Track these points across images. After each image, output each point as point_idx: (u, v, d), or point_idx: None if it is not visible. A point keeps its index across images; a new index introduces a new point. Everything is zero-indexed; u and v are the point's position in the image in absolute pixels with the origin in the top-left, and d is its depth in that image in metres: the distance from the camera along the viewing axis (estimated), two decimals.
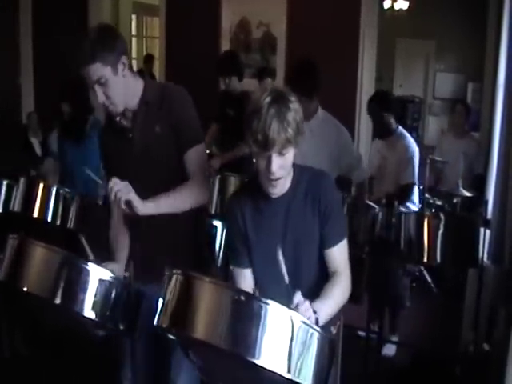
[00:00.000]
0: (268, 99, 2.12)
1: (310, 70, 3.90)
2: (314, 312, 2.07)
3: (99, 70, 2.44)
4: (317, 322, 2.06)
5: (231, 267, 2.47)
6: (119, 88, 2.52)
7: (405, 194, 4.38)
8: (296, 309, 2.00)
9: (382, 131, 4.58)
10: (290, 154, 2.19)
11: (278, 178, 2.22)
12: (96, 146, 4.55)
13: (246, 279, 2.40)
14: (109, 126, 2.72)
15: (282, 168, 2.19)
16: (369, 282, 3.79)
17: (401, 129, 4.56)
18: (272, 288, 2.24)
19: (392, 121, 4.48)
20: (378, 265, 3.81)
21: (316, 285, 2.34)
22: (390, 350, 4.41)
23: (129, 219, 2.71)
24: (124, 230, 2.75)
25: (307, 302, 2.05)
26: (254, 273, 2.40)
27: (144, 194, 2.50)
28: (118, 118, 2.62)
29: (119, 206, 2.40)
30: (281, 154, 2.15)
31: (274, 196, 2.30)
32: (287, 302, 2.03)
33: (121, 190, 2.38)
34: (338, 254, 2.35)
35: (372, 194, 4.58)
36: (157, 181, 2.60)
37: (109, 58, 2.45)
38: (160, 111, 2.58)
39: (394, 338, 4.51)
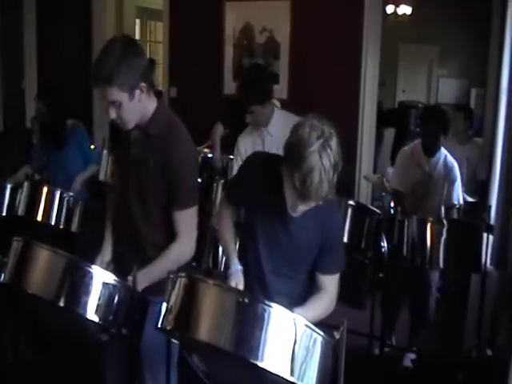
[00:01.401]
0: (315, 147, 2.10)
1: (260, 77, 3.85)
2: None
3: (115, 94, 2.37)
4: None
5: (223, 198, 2.63)
6: (133, 112, 2.47)
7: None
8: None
9: (431, 149, 4.32)
10: None
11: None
12: (75, 152, 4.53)
13: (229, 211, 2.64)
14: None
15: (308, 206, 2.25)
16: (372, 287, 3.80)
17: (443, 148, 4.37)
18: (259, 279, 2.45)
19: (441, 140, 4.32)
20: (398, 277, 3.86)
21: (303, 291, 2.49)
22: (408, 361, 4.37)
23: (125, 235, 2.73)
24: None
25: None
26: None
27: (138, 203, 2.59)
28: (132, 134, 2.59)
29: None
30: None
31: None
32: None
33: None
34: (330, 280, 2.47)
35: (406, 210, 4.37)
36: (145, 198, 2.59)
37: (127, 85, 2.38)
38: (158, 152, 2.50)
39: (413, 352, 4.43)
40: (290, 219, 2.36)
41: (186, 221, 2.57)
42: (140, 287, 2.40)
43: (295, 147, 2.14)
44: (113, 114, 2.44)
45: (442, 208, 4.22)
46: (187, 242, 2.60)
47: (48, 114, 4.44)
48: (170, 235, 2.58)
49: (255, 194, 2.45)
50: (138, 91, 2.42)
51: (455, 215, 4.23)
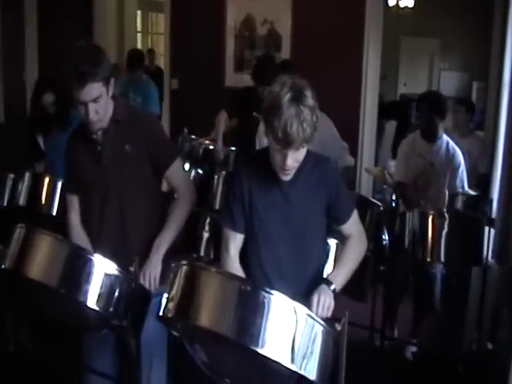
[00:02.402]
0: (288, 96, 2.19)
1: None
2: (330, 283, 2.36)
3: (100, 88, 2.53)
4: (334, 291, 2.35)
5: (224, 228, 2.53)
6: (107, 106, 2.64)
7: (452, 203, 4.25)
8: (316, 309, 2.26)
9: (430, 134, 4.33)
10: (305, 148, 2.29)
11: (292, 168, 2.33)
12: None
13: (236, 242, 2.50)
14: (79, 134, 2.78)
15: (296, 161, 2.30)
16: (373, 279, 3.80)
17: (445, 135, 4.37)
18: (270, 261, 2.45)
19: (441, 126, 4.30)
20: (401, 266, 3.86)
21: (315, 262, 2.55)
22: (408, 353, 4.37)
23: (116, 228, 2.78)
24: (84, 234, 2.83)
25: (316, 296, 2.29)
26: (256, 244, 2.48)
27: (114, 201, 2.72)
28: (94, 136, 2.70)
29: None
30: (297, 149, 2.25)
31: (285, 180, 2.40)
32: (282, 278, 2.37)
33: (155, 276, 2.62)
34: (351, 224, 2.59)
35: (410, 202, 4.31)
36: (129, 193, 2.72)
37: (106, 78, 2.56)
38: (131, 132, 2.68)
39: (415, 342, 4.44)
40: (286, 191, 2.41)
41: (179, 170, 2.88)
42: (162, 251, 2.67)
43: (271, 104, 2.23)
44: (93, 113, 2.57)
45: (447, 196, 4.23)
46: (188, 189, 2.86)
47: (56, 103, 4.41)
48: (160, 214, 2.83)
49: (248, 194, 2.45)
50: (110, 86, 2.62)
51: (459, 203, 4.26)
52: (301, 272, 2.46)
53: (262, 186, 2.43)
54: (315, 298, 2.30)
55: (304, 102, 2.19)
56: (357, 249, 2.59)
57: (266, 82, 4.64)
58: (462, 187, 4.32)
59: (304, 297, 2.31)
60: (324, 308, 2.29)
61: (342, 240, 2.73)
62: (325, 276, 2.56)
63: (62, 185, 3.59)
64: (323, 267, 2.70)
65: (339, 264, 2.56)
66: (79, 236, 2.79)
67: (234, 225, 2.47)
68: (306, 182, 2.43)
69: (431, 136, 4.32)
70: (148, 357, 2.70)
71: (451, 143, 4.35)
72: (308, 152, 2.39)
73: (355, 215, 2.60)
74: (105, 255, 2.56)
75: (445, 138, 4.36)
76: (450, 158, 4.30)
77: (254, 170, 2.45)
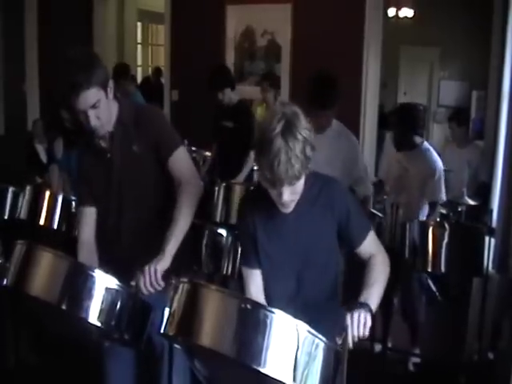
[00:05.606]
0: (277, 131, 2.05)
1: (331, 84, 3.85)
2: (365, 305, 2.16)
3: (96, 94, 2.50)
4: (371, 312, 2.15)
5: (242, 267, 2.48)
6: (108, 110, 2.61)
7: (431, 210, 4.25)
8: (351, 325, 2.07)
9: (401, 145, 4.29)
10: (301, 181, 2.18)
11: (291, 202, 2.24)
12: None
13: (254, 279, 2.41)
14: (87, 147, 2.78)
15: (292, 194, 2.20)
16: None
17: (426, 144, 4.29)
18: (279, 291, 2.37)
19: (416, 137, 4.21)
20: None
21: (328, 286, 2.43)
22: (411, 365, 4.33)
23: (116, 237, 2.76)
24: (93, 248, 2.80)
25: (350, 315, 2.10)
26: (264, 276, 2.42)
27: (129, 209, 2.70)
28: (103, 144, 2.69)
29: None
30: (291, 185, 2.14)
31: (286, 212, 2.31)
32: (294, 307, 2.15)
33: (151, 281, 2.47)
34: (368, 244, 2.40)
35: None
36: (140, 196, 2.70)
37: (102, 83, 2.53)
38: (136, 132, 2.66)
39: (416, 352, 4.40)
40: (292, 219, 2.32)
41: (182, 159, 2.73)
42: (170, 248, 2.52)
43: (259, 139, 2.11)
44: (94, 119, 2.56)
45: (426, 203, 4.24)
46: (191, 183, 2.68)
47: (73, 119, 4.43)
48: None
49: (253, 228, 2.38)
50: (109, 88, 2.59)
51: (438, 211, 4.30)
52: (315, 298, 2.37)
53: (266, 218, 2.35)
54: (351, 316, 2.10)
55: (293, 136, 2.06)
56: (382, 267, 2.37)
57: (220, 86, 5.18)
58: (439, 196, 4.23)
59: (319, 322, 2.11)
60: (360, 325, 2.09)
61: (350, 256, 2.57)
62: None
63: (76, 199, 3.51)
64: (336, 291, 2.54)
65: (368, 285, 2.29)
66: (88, 251, 2.76)
67: (248, 261, 2.42)
68: (313, 206, 2.32)
69: (402, 147, 4.28)
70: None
71: (430, 152, 4.26)
72: (315, 175, 2.31)
73: (372, 236, 2.42)
74: (124, 263, 2.58)
75: (425, 146, 4.27)
76: (426, 166, 4.20)
77: (257, 204, 2.37)
